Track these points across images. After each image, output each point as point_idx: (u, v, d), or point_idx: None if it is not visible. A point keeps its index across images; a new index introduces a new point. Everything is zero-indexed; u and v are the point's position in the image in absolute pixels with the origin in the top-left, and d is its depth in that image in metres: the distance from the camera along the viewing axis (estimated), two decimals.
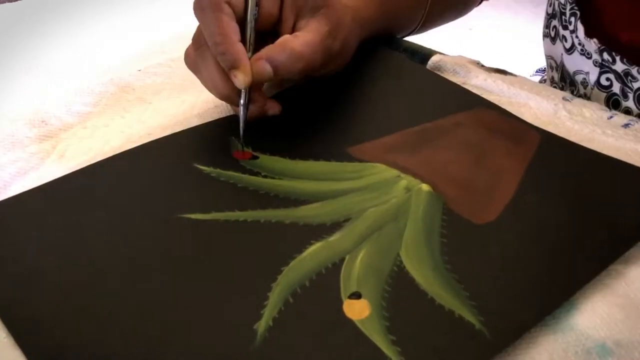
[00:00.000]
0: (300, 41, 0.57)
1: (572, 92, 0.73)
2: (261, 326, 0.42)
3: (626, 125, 0.57)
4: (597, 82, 0.68)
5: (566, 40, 0.73)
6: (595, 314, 0.42)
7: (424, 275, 0.45)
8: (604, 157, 0.54)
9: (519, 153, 0.55)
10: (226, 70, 0.54)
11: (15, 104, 0.64)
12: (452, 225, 0.49)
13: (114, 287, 0.46)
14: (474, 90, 0.63)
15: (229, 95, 0.56)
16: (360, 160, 0.55)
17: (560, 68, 0.75)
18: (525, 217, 0.49)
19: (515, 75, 0.64)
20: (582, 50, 0.69)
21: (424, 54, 0.68)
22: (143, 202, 0.52)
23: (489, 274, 0.45)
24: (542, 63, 1.05)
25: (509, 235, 0.48)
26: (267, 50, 0.56)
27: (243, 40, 0.55)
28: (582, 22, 0.68)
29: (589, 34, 0.68)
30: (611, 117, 0.58)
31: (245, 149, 0.57)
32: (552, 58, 0.78)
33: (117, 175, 0.55)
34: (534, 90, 0.62)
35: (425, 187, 0.52)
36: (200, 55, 0.56)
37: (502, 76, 0.64)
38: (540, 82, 0.92)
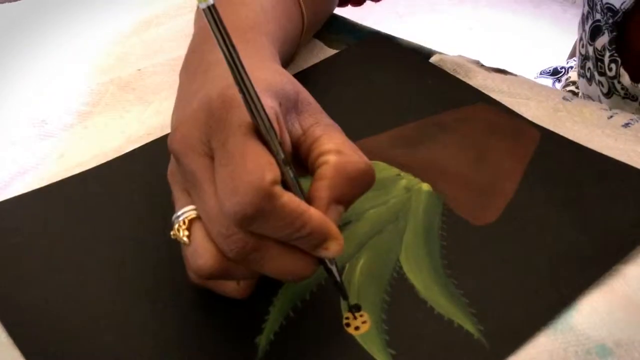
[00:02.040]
0: (352, 155, 0.42)
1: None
2: (262, 340, 0.42)
3: (626, 125, 0.57)
4: None
5: (602, 85, 0.72)
6: (595, 314, 0.42)
7: (424, 281, 0.45)
8: (604, 157, 0.54)
9: (519, 151, 0.55)
10: (310, 249, 0.40)
11: (15, 104, 0.64)
12: (451, 226, 0.49)
13: (113, 293, 0.46)
14: None
15: (310, 274, 0.41)
16: None
17: None
18: (525, 220, 0.49)
19: (515, 75, 0.64)
20: (625, 94, 0.69)
21: (424, 54, 0.68)
22: (143, 207, 0.52)
23: (489, 279, 0.45)
24: (544, 64, 1.05)
25: (508, 238, 0.48)
26: (328, 190, 0.41)
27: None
28: (625, 69, 0.68)
29: (634, 78, 0.68)
30: (611, 116, 0.58)
31: None
32: (590, 97, 0.77)
33: (116, 179, 0.55)
34: (534, 90, 0.61)
35: (425, 186, 0.52)
36: (258, 258, 0.39)
37: (502, 76, 0.64)
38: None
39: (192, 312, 0.44)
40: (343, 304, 0.44)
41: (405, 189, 0.52)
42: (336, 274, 0.42)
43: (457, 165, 0.54)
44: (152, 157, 0.57)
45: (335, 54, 0.68)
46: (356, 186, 0.42)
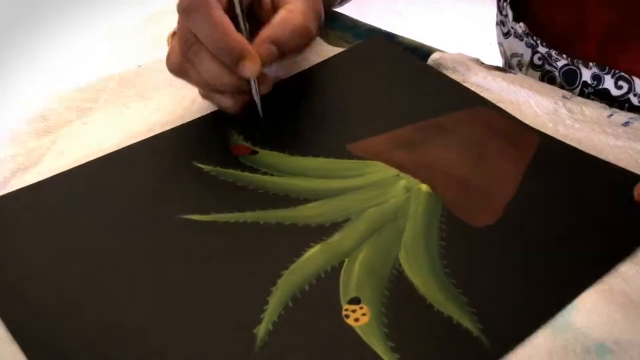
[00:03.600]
0: (298, 15, 0.57)
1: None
2: (261, 330, 0.42)
3: (626, 124, 0.57)
4: (531, 62, 0.70)
5: (504, 25, 0.75)
6: (595, 313, 0.42)
7: (423, 279, 0.45)
8: (602, 162, 0.54)
9: (517, 155, 0.55)
10: (230, 64, 0.53)
11: (15, 100, 0.64)
12: (451, 228, 0.49)
13: (112, 287, 0.46)
14: (474, 88, 0.63)
15: (237, 85, 0.55)
16: (359, 158, 0.55)
17: (503, 54, 0.78)
18: (523, 222, 0.49)
19: (515, 73, 0.64)
20: (515, 33, 0.71)
21: (424, 52, 0.68)
22: (142, 202, 0.52)
23: (488, 279, 0.45)
24: None
25: (507, 240, 0.48)
26: (269, 31, 0.55)
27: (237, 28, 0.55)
28: (512, 8, 0.70)
29: (517, 18, 0.70)
30: (611, 115, 0.58)
31: (244, 143, 0.57)
32: (501, 44, 0.79)
33: (117, 173, 0.55)
34: (534, 88, 0.61)
35: (424, 187, 0.52)
36: (193, 55, 0.54)
37: (502, 74, 0.64)
38: None
39: (190, 302, 0.44)
40: (342, 297, 0.44)
41: (404, 189, 0.52)
42: (255, 91, 0.56)
43: (456, 168, 0.54)
44: (152, 151, 0.57)
45: (336, 55, 0.68)
46: (290, 35, 0.56)
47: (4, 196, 0.53)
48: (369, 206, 0.51)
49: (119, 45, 0.72)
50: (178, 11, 0.54)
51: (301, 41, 0.57)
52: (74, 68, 0.69)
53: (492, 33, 0.78)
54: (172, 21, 0.66)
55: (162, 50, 0.69)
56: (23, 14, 0.78)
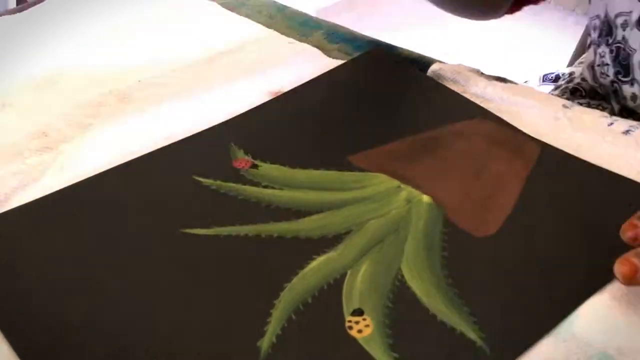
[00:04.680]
0: None
1: (606, 43, 0.73)
2: (264, 343, 0.42)
3: (626, 132, 0.57)
4: (638, 20, 0.68)
5: None
6: (597, 321, 0.42)
7: (426, 290, 0.45)
8: (603, 171, 0.54)
9: (518, 165, 0.55)
10: None
11: (15, 116, 0.64)
12: (452, 238, 0.49)
13: (114, 303, 0.46)
14: (474, 99, 0.63)
15: None
16: (361, 169, 0.55)
17: (603, 20, 0.75)
18: (525, 231, 0.49)
19: (515, 83, 0.64)
20: None
21: (424, 63, 0.68)
22: (143, 217, 0.52)
23: (490, 289, 0.45)
24: (546, 70, 1.04)
25: (509, 249, 0.48)
26: None
27: None
28: None
29: None
30: (611, 124, 0.58)
31: (245, 157, 0.57)
32: (597, 17, 0.78)
33: (117, 188, 0.55)
34: (535, 98, 0.61)
35: (425, 198, 0.52)
36: None
37: (502, 84, 0.64)
38: (558, 89, 0.91)
39: (193, 316, 0.44)
40: (345, 308, 0.44)
41: (405, 201, 0.52)
42: None
43: (457, 179, 0.54)
44: (153, 166, 0.57)
45: (337, 67, 0.68)
46: None
47: (5, 213, 0.53)
48: (371, 218, 0.51)
49: (119, 60, 0.72)
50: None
51: None
52: (73, 83, 0.69)
53: (491, 43, 0.78)
54: (173, 35, 0.66)
55: (162, 64, 0.69)
56: (22, 29, 0.78)
